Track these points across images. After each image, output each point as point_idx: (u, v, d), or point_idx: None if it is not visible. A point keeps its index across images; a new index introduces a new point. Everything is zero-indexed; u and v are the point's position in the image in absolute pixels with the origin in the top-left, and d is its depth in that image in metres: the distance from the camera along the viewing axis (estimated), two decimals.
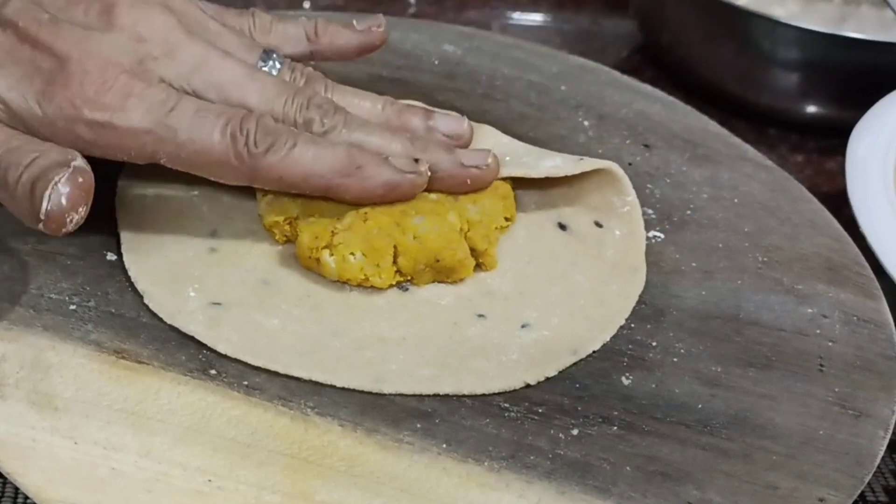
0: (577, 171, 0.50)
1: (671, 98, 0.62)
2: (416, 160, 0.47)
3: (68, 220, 0.40)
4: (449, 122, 0.50)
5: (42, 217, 0.40)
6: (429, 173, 0.47)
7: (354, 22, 0.53)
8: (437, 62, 0.62)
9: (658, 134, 0.59)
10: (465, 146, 0.50)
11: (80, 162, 0.41)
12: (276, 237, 0.48)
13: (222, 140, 0.43)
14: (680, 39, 0.75)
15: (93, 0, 0.45)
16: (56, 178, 0.40)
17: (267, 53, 0.48)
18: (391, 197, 0.46)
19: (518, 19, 0.84)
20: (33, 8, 0.44)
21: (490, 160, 0.48)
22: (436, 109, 0.51)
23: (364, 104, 0.49)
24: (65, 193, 0.40)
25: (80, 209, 0.41)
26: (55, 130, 0.43)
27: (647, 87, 0.63)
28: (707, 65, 0.74)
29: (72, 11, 0.45)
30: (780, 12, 0.72)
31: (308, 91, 0.47)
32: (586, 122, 0.59)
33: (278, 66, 0.48)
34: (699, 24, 0.73)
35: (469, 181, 0.48)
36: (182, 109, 0.43)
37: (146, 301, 0.44)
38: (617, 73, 0.64)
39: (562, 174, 0.49)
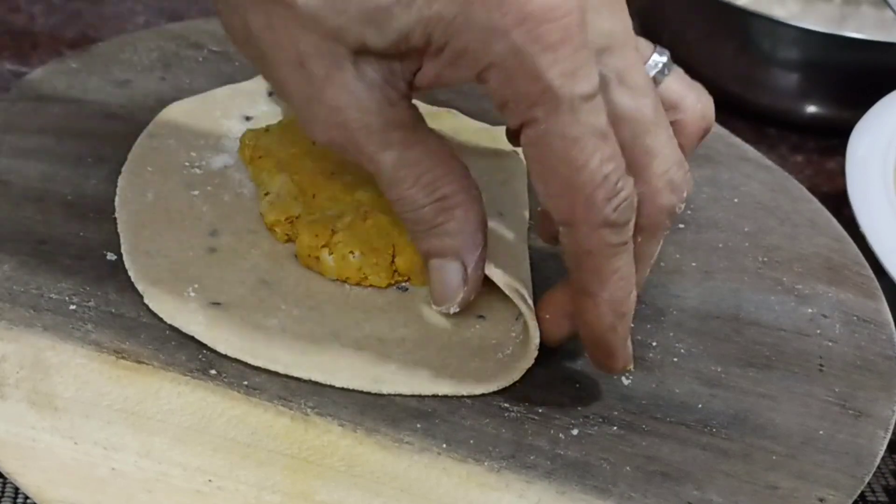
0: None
1: None
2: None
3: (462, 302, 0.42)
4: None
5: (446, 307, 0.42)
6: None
7: None
8: None
9: None
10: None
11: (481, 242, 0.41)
12: (278, 236, 0.48)
13: (597, 170, 0.37)
14: (680, 39, 0.75)
15: None
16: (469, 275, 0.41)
17: (659, 52, 0.44)
18: (599, 352, 0.42)
19: None
20: None
21: (630, 366, 0.43)
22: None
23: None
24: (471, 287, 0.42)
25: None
26: (468, 39, 0.37)
27: None
28: (707, 65, 0.74)
29: None
30: (780, 12, 0.72)
31: (687, 171, 0.42)
32: None
33: (667, 70, 0.44)
34: (699, 24, 0.73)
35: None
36: (595, 107, 0.37)
37: (146, 301, 0.44)
38: None
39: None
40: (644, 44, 0.44)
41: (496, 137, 0.54)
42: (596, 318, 0.40)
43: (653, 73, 0.44)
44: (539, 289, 0.48)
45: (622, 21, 0.40)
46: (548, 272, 0.49)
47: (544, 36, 0.36)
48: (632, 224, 0.39)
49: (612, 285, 0.40)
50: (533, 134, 0.38)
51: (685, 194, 0.42)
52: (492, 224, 0.44)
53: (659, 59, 0.44)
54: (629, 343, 0.42)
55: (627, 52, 0.40)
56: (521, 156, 0.53)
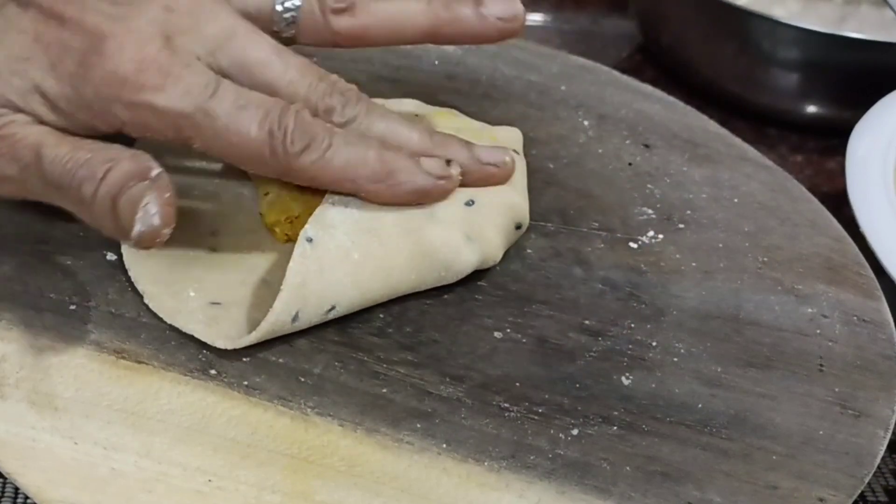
0: None
1: (671, 98, 0.62)
2: (449, 163, 0.46)
3: (162, 235, 0.40)
4: (490, 151, 0.49)
5: (134, 238, 0.40)
6: (460, 178, 0.46)
7: None
8: (437, 62, 0.62)
9: (658, 134, 0.59)
10: (507, 177, 0.49)
11: (156, 171, 0.40)
12: (278, 236, 0.48)
13: (259, 134, 0.43)
14: (680, 39, 0.75)
15: None
16: (144, 201, 0.40)
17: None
18: (420, 201, 0.46)
19: None
20: None
21: (507, 158, 0.48)
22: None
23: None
24: (155, 213, 0.40)
25: (171, 222, 0.40)
26: (92, 113, 0.42)
27: (647, 87, 0.63)
28: (707, 65, 0.74)
29: None
30: (780, 12, 0.72)
31: (333, 76, 0.46)
32: (586, 122, 0.59)
33: (293, 5, 0.47)
34: (699, 24, 0.73)
35: (486, 178, 0.48)
36: (222, 96, 0.42)
37: (146, 301, 0.44)
38: (617, 73, 0.64)
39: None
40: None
41: (496, 137, 0.54)
42: (378, 198, 0.45)
43: (283, 24, 0.47)
44: (539, 289, 0.48)
45: (218, 20, 0.44)
46: (548, 272, 0.49)
47: (147, 85, 0.42)
48: (319, 131, 0.44)
49: (353, 175, 0.44)
50: (200, 148, 0.43)
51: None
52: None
53: (283, 7, 0.47)
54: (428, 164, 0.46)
55: (237, 41, 0.44)
56: (521, 156, 0.53)
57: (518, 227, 0.49)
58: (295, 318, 0.43)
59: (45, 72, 0.42)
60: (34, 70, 0.42)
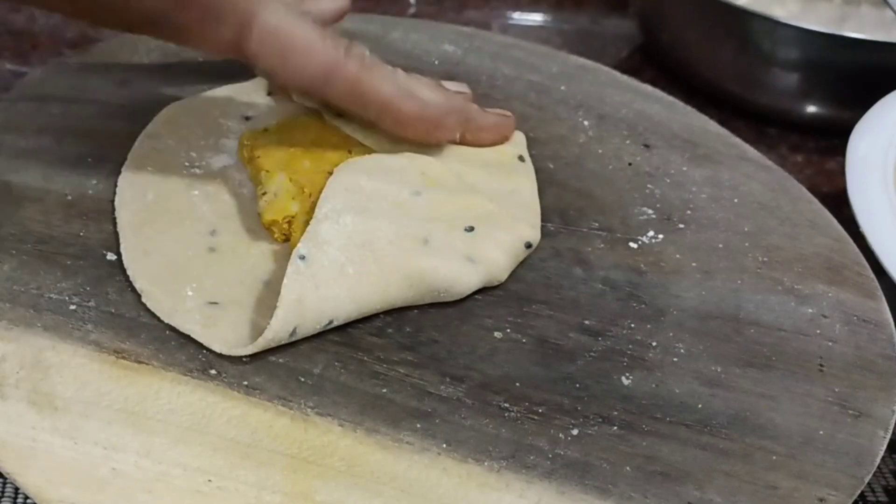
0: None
1: (671, 98, 0.62)
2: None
3: None
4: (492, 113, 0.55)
5: None
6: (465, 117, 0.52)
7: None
8: (437, 62, 0.62)
9: (658, 134, 0.59)
10: (506, 132, 0.55)
11: None
12: (275, 235, 0.48)
13: (314, 29, 0.47)
14: (680, 39, 0.75)
15: None
16: None
17: None
18: (433, 124, 0.51)
19: (518, 19, 0.83)
20: None
21: (509, 113, 0.55)
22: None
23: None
24: None
25: None
26: None
27: (647, 87, 0.63)
28: (707, 65, 0.74)
29: None
30: (780, 12, 0.72)
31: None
32: (586, 122, 0.59)
33: None
34: (699, 24, 0.73)
35: (491, 128, 0.54)
36: None
37: (144, 300, 0.44)
38: (617, 73, 0.64)
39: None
40: None
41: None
42: (401, 113, 0.50)
43: None
44: (539, 289, 0.48)
45: None
46: (548, 272, 0.49)
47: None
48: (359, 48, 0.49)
49: (388, 88, 0.49)
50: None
51: None
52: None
53: None
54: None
55: None
56: (529, 163, 0.53)
57: (528, 245, 0.49)
58: (293, 334, 0.43)
59: None
60: None
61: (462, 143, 0.53)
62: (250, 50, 0.46)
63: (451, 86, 0.55)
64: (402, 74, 0.51)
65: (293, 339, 0.43)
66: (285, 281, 0.43)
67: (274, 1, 0.46)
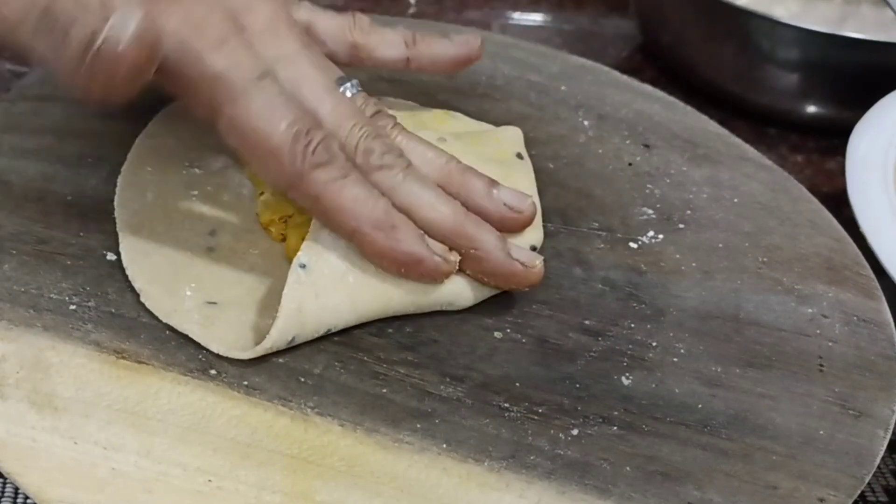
0: None
1: (671, 98, 0.62)
2: (451, 251, 0.45)
3: None
4: (512, 195, 0.47)
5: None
6: (457, 266, 0.45)
7: (452, 34, 0.53)
8: None
9: (658, 134, 0.59)
10: (525, 225, 0.48)
11: None
12: (274, 236, 0.48)
13: (286, 132, 0.42)
14: (680, 39, 0.75)
15: None
16: None
17: (344, 78, 0.47)
18: (412, 271, 0.44)
19: (518, 19, 0.83)
20: None
21: (538, 262, 0.46)
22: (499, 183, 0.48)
23: (428, 154, 0.47)
24: None
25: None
26: None
27: (647, 87, 0.63)
28: (707, 65, 0.74)
29: None
30: (780, 12, 0.72)
31: (379, 125, 0.46)
32: (586, 122, 0.59)
33: (354, 91, 0.47)
34: (699, 24, 0.73)
35: (502, 220, 0.47)
36: (266, 85, 0.42)
37: (142, 299, 0.44)
38: (617, 73, 0.64)
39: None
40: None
41: (498, 139, 0.54)
42: (372, 246, 0.44)
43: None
44: (539, 289, 0.48)
45: (286, 39, 0.46)
46: (548, 272, 0.49)
47: (206, 40, 0.42)
48: (341, 159, 0.43)
49: (357, 213, 0.43)
50: (223, 129, 0.43)
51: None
52: None
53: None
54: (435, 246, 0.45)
55: (299, 65, 0.45)
56: (527, 160, 0.53)
57: (533, 248, 0.49)
58: (291, 342, 0.43)
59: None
60: None
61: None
62: (221, 133, 0.43)
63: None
64: (397, 172, 0.45)
65: (291, 345, 0.43)
66: (286, 290, 0.43)
67: (254, 86, 0.42)
